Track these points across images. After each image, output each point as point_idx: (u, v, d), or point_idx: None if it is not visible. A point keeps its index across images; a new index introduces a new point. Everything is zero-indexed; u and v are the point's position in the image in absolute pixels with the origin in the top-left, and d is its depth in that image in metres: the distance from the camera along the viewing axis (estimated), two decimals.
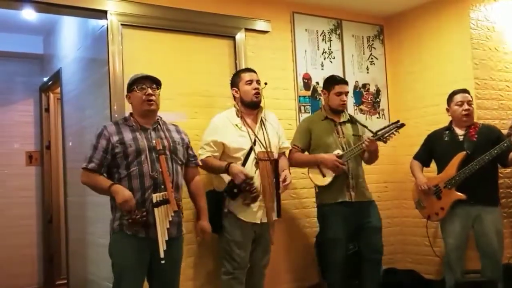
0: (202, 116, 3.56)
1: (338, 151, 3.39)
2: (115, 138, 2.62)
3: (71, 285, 4.46)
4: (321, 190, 3.49)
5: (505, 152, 3.32)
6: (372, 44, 4.68)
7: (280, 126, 3.43)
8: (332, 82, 3.55)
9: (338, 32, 4.47)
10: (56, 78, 4.68)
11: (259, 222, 3.11)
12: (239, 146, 3.10)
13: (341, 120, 3.55)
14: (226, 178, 3.09)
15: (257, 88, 3.18)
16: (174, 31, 3.64)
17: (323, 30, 4.39)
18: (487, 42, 4.18)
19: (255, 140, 3.13)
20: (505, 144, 3.26)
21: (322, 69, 4.34)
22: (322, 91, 3.71)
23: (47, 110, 5.22)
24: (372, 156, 3.48)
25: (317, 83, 4.30)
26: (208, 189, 3.22)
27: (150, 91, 2.68)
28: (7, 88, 5.15)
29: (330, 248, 3.48)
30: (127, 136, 2.63)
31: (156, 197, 2.55)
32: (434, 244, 3.88)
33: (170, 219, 2.59)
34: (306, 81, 4.25)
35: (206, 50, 3.75)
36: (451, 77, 4.17)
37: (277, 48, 4.11)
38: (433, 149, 3.64)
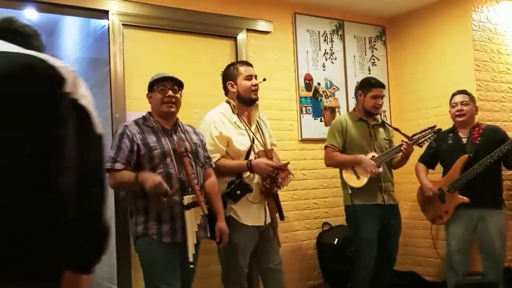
0: (202, 117, 3.54)
1: (373, 154, 3.39)
2: (138, 139, 2.54)
3: None
4: (354, 191, 3.43)
5: (508, 155, 3.31)
6: (374, 45, 4.67)
7: (268, 122, 3.28)
8: (369, 84, 3.51)
9: (340, 33, 4.46)
10: None
11: (263, 224, 2.98)
12: (241, 145, 2.94)
13: (374, 122, 3.53)
14: (227, 180, 2.95)
15: (256, 85, 3.02)
16: (176, 31, 3.64)
17: (325, 31, 4.38)
18: (489, 43, 4.18)
19: (253, 139, 3.00)
20: (506, 147, 3.25)
21: (323, 70, 4.33)
22: (358, 92, 3.69)
23: None
24: (405, 160, 3.46)
25: (319, 84, 4.29)
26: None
27: (170, 92, 2.63)
28: None
29: (363, 248, 3.42)
30: (151, 138, 2.56)
31: (187, 199, 2.49)
32: (436, 246, 3.88)
33: (199, 222, 2.54)
34: (307, 82, 4.24)
35: (207, 51, 3.75)
36: (453, 78, 4.16)
37: (278, 48, 4.10)
38: (438, 152, 3.64)
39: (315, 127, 4.24)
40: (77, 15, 3.67)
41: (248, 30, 3.93)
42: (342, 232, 3.95)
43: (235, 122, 2.96)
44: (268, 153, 3.03)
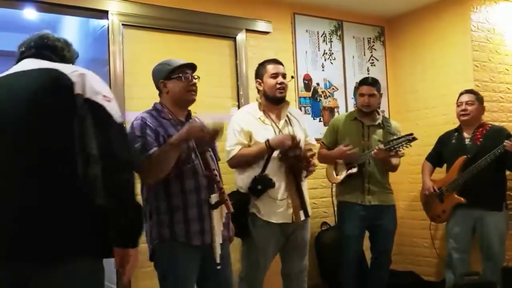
0: (201, 117, 3.55)
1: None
2: (162, 131, 2.30)
3: None
4: (339, 188, 3.49)
5: (504, 158, 3.29)
6: (373, 45, 4.68)
7: (306, 122, 3.22)
8: (359, 83, 3.56)
9: (339, 33, 4.47)
10: None
11: (290, 221, 2.85)
12: (263, 138, 2.83)
13: (372, 123, 3.48)
14: (251, 175, 2.83)
15: (282, 83, 2.93)
16: (175, 31, 3.64)
17: (324, 31, 4.39)
18: (487, 44, 4.18)
19: (280, 133, 2.91)
20: (499, 151, 3.23)
21: (322, 70, 4.34)
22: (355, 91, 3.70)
23: None
24: (388, 165, 3.42)
25: (318, 84, 4.30)
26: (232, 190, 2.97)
27: (194, 80, 2.44)
28: None
29: (345, 244, 3.46)
30: (171, 130, 2.32)
31: (214, 198, 2.29)
32: (434, 246, 3.89)
33: (224, 220, 2.38)
34: (306, 82, 4.25)
35: (206, 51, 3.75)
36: (451, 79, 4.17)
37: (277, 49, 4.10)
38: (442, 151, 3.65)
39: (314, 127, 4.23)
40: (76, 15, 3.68)
41: (248, 30, 3.93)
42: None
43: (259, 118, 2.92)
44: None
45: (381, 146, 3.25)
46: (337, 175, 3.45)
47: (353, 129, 3.46)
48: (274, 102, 2.96)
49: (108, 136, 1.55)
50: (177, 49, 3.62)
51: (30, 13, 4.00)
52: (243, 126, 2.87)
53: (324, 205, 4.24)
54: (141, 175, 2.23)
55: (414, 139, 3.23)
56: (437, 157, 3.71)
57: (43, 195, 1.51)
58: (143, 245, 3.39)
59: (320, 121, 4.29)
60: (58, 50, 1.80)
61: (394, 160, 3.40)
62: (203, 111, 3.60)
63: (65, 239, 1.52)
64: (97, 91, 1.59)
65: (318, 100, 4.29)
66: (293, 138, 2.77)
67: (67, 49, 1.85)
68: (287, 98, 4.03)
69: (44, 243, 1.51)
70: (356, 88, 3.58)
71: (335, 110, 4.37)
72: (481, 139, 3.45)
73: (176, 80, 2.40)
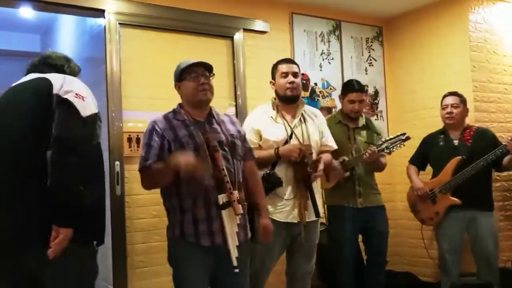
0: None
1: (344, 158, 3.35)
2: (169, 135, 2.30)
3: None
4: (329, 193, 3.44)
5: (499, 158, 3.34)
6: (371, 45, 4.67)
7: (325, 123, 3.16)
8: (347, 89, 3.47)
9: (337, 33, 4.46)
10: None
11: (296, 221, 2.84)
12: (274, 137, 2.84)
13: (356, 125, 3.47)
14: (260, 172, 2.77)
15: (293, 82, 2.91)
16: (172, 30, 3.63)
17: (322, 31, 4.38)
18: (485, 44, 4.18)
19: (291, 133, 2.88)
20: (500, 150, 3.28)
21: (320, 70, 4.33)
22: (339, 95, 3.67)
23: None
24: (377, 165, 3.42)
25: (315, 84, 4.29)
26: None
27: (203, 79, 2.41)
28: (4, 87, 5.12)
29: (339, 248, 3.45)
30: (182, 132, 2.31)
31: (221, 198, 2.25)
32: (430, 247, 3.88)
33: (238, 221, 2.30)
34: (304, 82, 4.24)
35: (204, 50, 3.74)
36: (449, 79, 4.17)
37: (275, 48, 4.09)
38: (428, 153, 3.64)
39: None
40: (73, 14, 3.66)
41: (245, 30, 3.92)
42: None
43: (271, 116, 2.93)
44: (307, 148, 2.86)
45: (373, 148, 3.24)
46: (327, 180, 3.39)
47: (339, 133, 3.40)
48: (286, 101, 2.95)
49: (64, 123, 1.79)
50: (174, 48, 3.61)
51: (26, 12, 3.99)
52: (253, 125, 2.90)
53: (321, 206, 4.23)
54: (141, 182, 2.34)
55: (408, 138, 3.25)
56: (421, 160, 3.70)
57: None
58: (140, 245, 3.41)
59: None
60: (58, 67, 2.10)
61: (383, 160, 3.42)
62: None
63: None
64: (69, 90, 1.87)
65: (316, 100, 4.28)
66: (300, 150, 2.75)
67: (67, 65, 2.14)
68: None
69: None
70: (342, 94, 3.51)
71: (333, 110, 4.36)
72: (470, 140, 3.46)
73: (186, 81, 2.42)
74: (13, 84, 2.08)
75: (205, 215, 2.27)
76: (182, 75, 2.43)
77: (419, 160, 3.70)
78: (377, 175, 3.67)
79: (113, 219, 3.30)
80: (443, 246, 3.51)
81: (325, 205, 3.52)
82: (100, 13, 3.38)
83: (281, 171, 2.83)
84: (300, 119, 2.95)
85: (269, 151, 2.83)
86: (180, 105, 2.46)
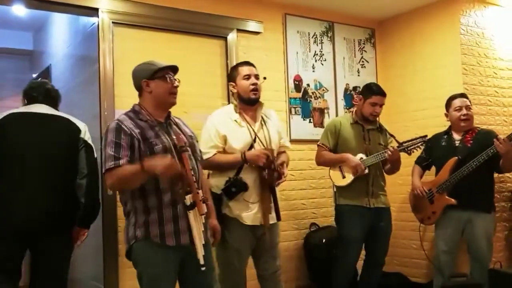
0: (191, 116, 3.54)
1: (362, 155, 3.39)
2: (137, 134, 2.28)
3: None
4: (340, 191, 3.49)
5: (497, 159, 3.33)
6: (363, 47, 4.70)
7: (280, 123, 3.22)
8: (371, 91, 3.49)
9: (329, 35, 4.49)
10: (46, 74, 4.64)
11: (259, 224, 2.88)
12: (239, 143, 2.87)
13: (370, 126, 3.52)
14: (225, 176, 2.86)
15: (255, 84, 2.94)
16: (166, 30, 3.63)
17: (315, 32, 4.40)
18: (476, 48, 4.22)
19: (255, 137, 2.91)
20: (491, 151, 3.28)
21: (313, 71, 4.35)
22: (357, 96, 3.68)
23: None
24: (394, 166, 3.47)
25: (308, 85, 4.31)
26: None
27: (176, 83, 2.43)
28: None
29: (345, 248, 3.46)
30: (149, 132, 2.31)
31: (189, 198, 2.24)
32: (421, 248, 3.90)
33: (204, 221, 2.33)
34: (297, 83, 4.26)
35: (197, 50, 3.74)
36: (441, 81, 4.20)
37: (268, 49, 4.11)
38: (431, 153, 3.67)
39: (304, 128, 4.26)
40: (67, 12, 3.65)
41: (239, 30, 3.93)
42: (330, 233, 3.96)
43: (235, 120, 2.93)
44: (271, 152, 2.91)
45: (395, 146, 3.31)
46: (343, 177, 3.44)
47: (355, 133, 3.47)
48: (248, 103, 2.96)
49: (91, 160, 2.77)
50: (167, 48, 3.61)
51: (19, 10, 3.98)
52: (219, 129, 2.88)
53: (313, 206, 4.25)
54: (106, 182, 2.27)
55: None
56: (425, 160, 3.73)
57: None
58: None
59: (310, 122, 4.30)
60: (55, 99, 2.91)
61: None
62: (193, 110, 3.61)
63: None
64: (89, 136, 2.83)
65: (308, 101, 4.30)
66: (267, 156, 2.78)
67: (57, 96, 2.94)
68: (276, 99, 4.09)
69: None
70: (363, 96, 3.51)
71: (325, 111, 4.38)
72: (471, 142, 3.48)
73: (160, 80, 2.40)
74: (30, 110, 2.79)
75: (171, 214, 2.28)
76: (156, 74, 2.41)
77: (423, 160, 3.73)
78: None
79: (105, 218, 3.29)
80: (438, 246, 3.55)
81: (334, 205, 3.56)
82: (93, 11, 3.38)
83: (247, 175, 2.84)
84: (261, 122, 2.98)
85: (235, 156, 2.84)
86: (139, 105, 2.45)
